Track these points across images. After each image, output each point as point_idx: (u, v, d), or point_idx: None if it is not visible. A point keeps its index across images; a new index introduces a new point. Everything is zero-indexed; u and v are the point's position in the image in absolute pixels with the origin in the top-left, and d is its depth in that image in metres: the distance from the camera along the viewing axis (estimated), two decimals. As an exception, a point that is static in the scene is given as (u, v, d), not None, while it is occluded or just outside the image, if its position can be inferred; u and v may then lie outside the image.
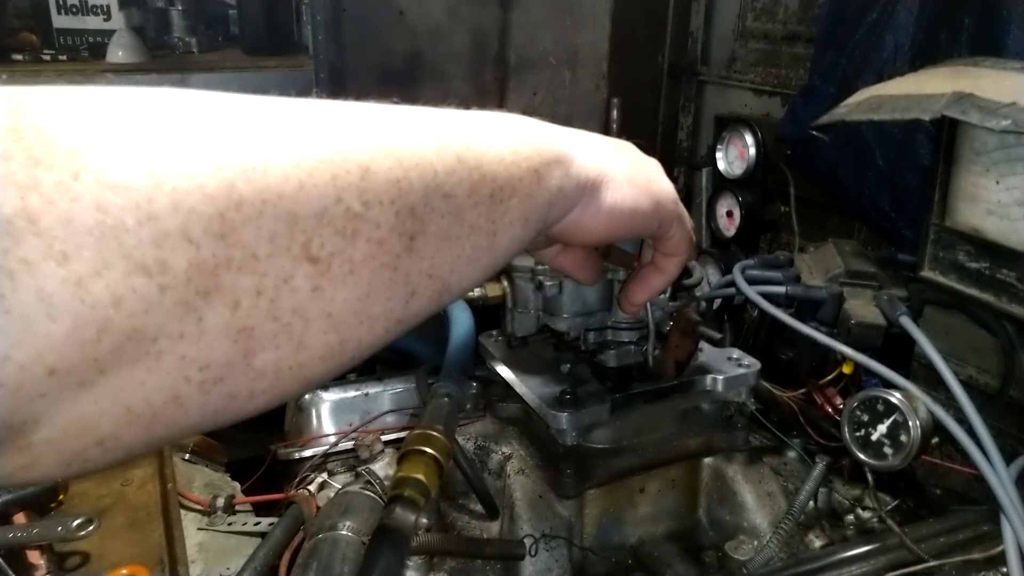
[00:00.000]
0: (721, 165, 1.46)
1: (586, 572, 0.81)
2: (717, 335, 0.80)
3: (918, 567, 0.70)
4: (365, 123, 0.33)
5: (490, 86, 1.51)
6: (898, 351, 0.94)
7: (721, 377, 0.82)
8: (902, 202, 1.13)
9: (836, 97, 1.09)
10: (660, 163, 0.54)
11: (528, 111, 0.44)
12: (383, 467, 0.91)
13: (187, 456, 0.98)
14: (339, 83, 1.35)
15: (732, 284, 1.01)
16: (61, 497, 0.84)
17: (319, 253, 0.29)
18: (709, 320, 1.08)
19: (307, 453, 0.97)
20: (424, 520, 0.81)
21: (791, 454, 0.95)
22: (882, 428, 0.76)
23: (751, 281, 0.99)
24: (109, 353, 0.24)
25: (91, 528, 0.72)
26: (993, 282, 0.86)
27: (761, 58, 1.56)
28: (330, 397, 1.02)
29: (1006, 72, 0.85)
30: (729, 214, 1.45)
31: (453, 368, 0.82)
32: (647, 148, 0.54)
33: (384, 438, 0.96)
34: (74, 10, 2.59)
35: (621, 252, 0.70)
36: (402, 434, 0.98)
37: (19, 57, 2.31)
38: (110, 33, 2.47)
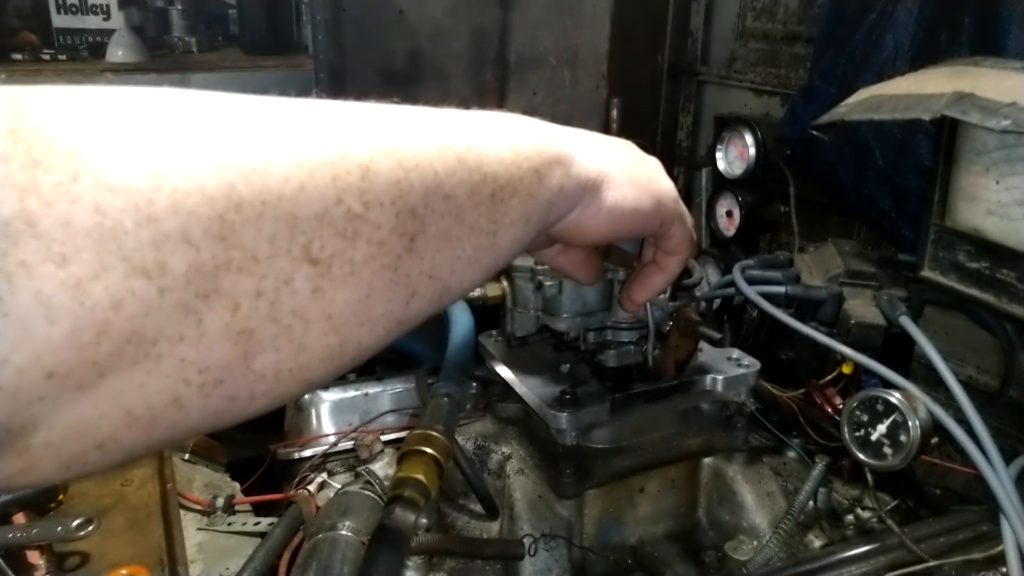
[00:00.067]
0: (721, 165, 1.46)
1: (586, 572, 0.81)
2: (717, 335, 0.79)
3: (918, 567, 0.70)
4: (365, 123, 0.33)
5: (490, 86, 1.51)
6: (898, 351, 0.94)
7: (721, 377, 0.82)
8: (902, 202, 1.13)
9: (836, 97, 1.09)
10: (660, 163, 0.54)
11: (528, 111, 0.44)
12: (383, 467, 0.91)
13: (187, 456, 0.98)
14: (339, 83, 1.34)
15: (732, 284, 1.01)
16: (61, 497, 0.84)
17: (319, 254, 0.29)
18: (709, 320, 1.08)
19: (307, 453, 0.97)
20: (424, 520, 0.81)
21: (791, 454, 0.95)
22: (882, 428, 0.76)
23: (751, 281, 0.99)
24: (108, 356, 0.24)
25: (91, 528, 0.72)
26: (993, 282, 0.86)
27: (761, 58, 1.56)
28: (330, 397, 1.02)
29: (1006, 72, 0.85)
30: (729, 214, 1.45)
31: (453, 368, 0.82)
32: (647, 148, 0.54)
33: (384, 438, 0.96)
34: (74, 10, 2.58)
35: (621, 252, 0.70)
36: (402, 434, 0.98)
37: (19, 57, 2.31)
38: (110, 33, 2.47)
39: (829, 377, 0.93)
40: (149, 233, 0.24)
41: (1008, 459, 0.72)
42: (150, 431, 0.27)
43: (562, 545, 0.78)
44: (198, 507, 0.90)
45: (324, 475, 0.92)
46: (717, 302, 1.13)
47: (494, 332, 0.91)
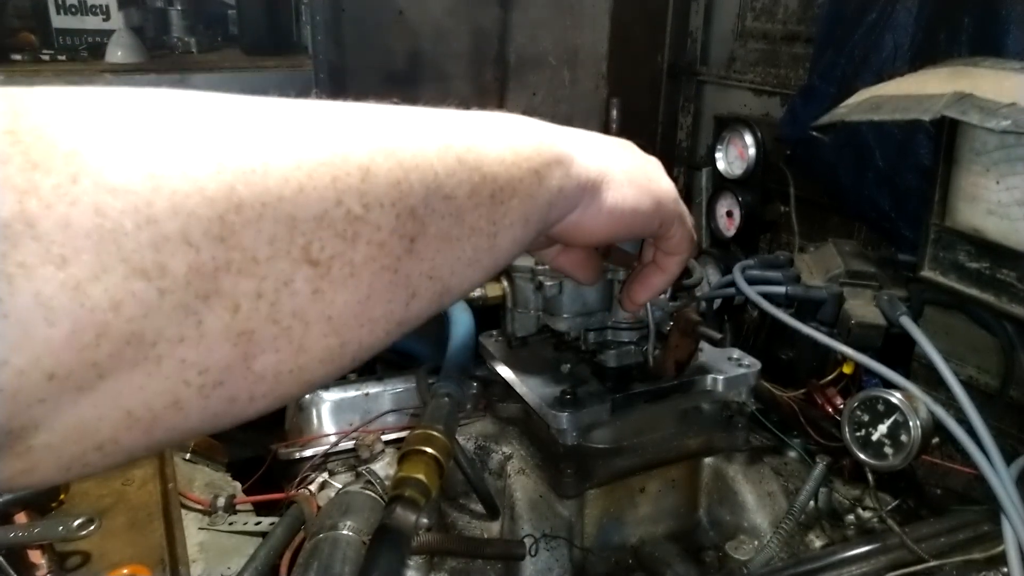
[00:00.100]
0: (721, 165, 1.46)
1: (586, 572, 0.81)
2: (717, 335, 0.79)
3: (918, 567, 0.70)
4: (365, 124, 0.33)
5: (490, 86, 1.51)
6: (898, 351, 0.94)
7: (721, 377, 0.82)
8: (902, 202, 1.13)
9: (836, 97, 1.09)
10: (660, 163, 0.54)
11: (528, 111, 0.44)
12: (383, 467, 0.91)
13: (188, 456, 0.98)
14: (339, 83, 1.34)
15: (732, 284, 1.01)
16: (62, 497, 0.84)
17: (319, 256, 0.29)
18: (709, 320, 1.08)
19: (308, 453, 0.97)
20: (424, 520, 0.81)
21: (791, 454, 0.95)
22: (882, 428, 0.76)
23: (751, 281, 0.99)
24: (108, 357, 0.24)
25: (92, 528, 0.72)
26: (993, 282, 0.86)
27: (760, 58, 1.56)
28: (330, 397, 1.02)
29: (1006, 72, 0.85)
30: (729, 214, 1.45)
31: (453, 368, 0.82)
32: (647, 148, 0.53)
33: (384, 438, 0.96)
34: (73, 10, 2.58)
35: (621, 252, 0.70)
36: (402, 434, 0.98)
37: (18, 57, 2.31)
38: (109, 33, 2.46)
39: (830, 377, 0.93)
40: (149, 234, 0.24)
41: (1009, 459, 0.72)
42: (150, 432, 0.27)
43: (563, 545, 0.78)
44: (199, 507, 0.90)
45: (325, 475, 0.93)
46: (717, 302, 1.13)
47: (494, 332, 0.91)
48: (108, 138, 0.24)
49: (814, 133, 1.05)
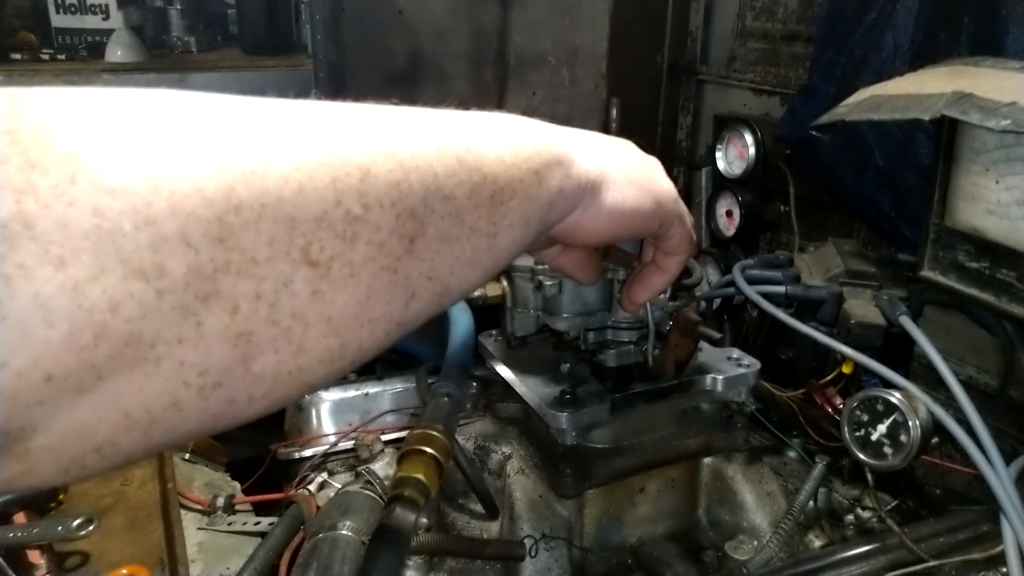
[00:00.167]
0: (721, 165, 1.46)
1: (586, 572, 0.81)
2: (717, 335, 0.79)
3: (918, 567, 0.70)
4: (365, 125, 0.33)
5: (490, 86, 1.51)
6: (898, 351, 0.94)
7: (721, 377, 0.82)
8: (902, 202, 1.13)
9: (836, 97, 1.09)
10: (660, 163, 0.54)
11: (528, 111, 0.44)
12: (383, 467, 0.91)
13: (187, 456, 0.98)
14: (338, 83, 1.34)
15: (732, 284, 1.01)
16: (61, 497, 0.84)
17: (319, 256, 0.29)
18: (709, 320, 1.08)
19: (307, 453, 0.97)
20: (424, 520, 0.81)
21: (791, 454, 0.95)
22: (882, 428, 0.76)
23: (751, 281, 0.99)
24: (107, 359, 0.24)
25: (91, 528, 0.72)
26: (993, 282, 0.86)
27: (760, 57, 1.56)
28: (330, 397, 1.02)
29: (1006, 72, 0.85)
30: (729, 214, 1.45)
31: (453, 368, 0.81)
32: (646, 148, 0.53)
33: (384, 438, 0.96)
34: (72, 9, 2.58)
35: (621, 252, 0.70)
36: (402, 434, 0.98)
37: (18, 56, 2.31)
38: (109, 32, 2.46)
39: (829, 377, 0.93)
40: (147, 235, 0.24)
41: (1008, 459, 0.72)
42: (149, 434, 0.26)
43: (562, 545, 0.78)
44: (198, 507, 0.90)
45: (324, 475, 0.92)
46: (717, 302, 1.13)
47: (494, 332, 0.91)
48: (107, 138, 0.24)
49: (814, 132, 1.05)
